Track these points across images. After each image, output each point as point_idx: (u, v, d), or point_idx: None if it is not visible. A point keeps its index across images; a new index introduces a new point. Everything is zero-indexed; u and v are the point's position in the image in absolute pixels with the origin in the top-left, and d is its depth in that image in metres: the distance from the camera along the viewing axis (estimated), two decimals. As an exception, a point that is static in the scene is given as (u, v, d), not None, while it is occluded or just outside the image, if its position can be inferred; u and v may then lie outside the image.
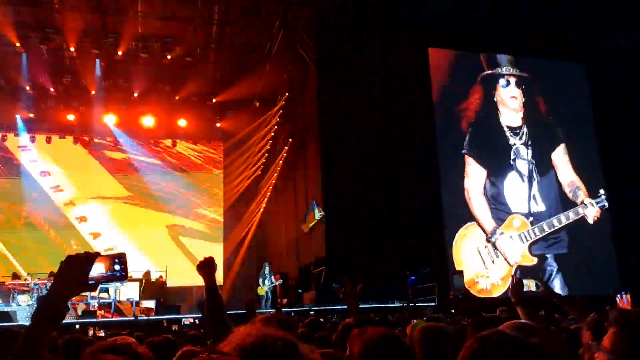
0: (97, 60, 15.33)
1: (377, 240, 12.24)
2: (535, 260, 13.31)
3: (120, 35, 14.59)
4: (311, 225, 14.57)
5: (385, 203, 12.54)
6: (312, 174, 14.89)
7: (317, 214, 14.07)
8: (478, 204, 13.32)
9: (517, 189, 13.67)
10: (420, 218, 12.49)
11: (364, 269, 11.90)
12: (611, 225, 13.98)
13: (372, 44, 13.23)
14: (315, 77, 14.09)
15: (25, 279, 13.35)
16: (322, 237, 13.41)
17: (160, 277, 15.49)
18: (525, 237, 13.41)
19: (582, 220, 13.87)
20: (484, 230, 13.18)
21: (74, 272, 1.41)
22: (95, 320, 11.50)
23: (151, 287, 14.56)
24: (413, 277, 11.19)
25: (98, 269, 1.46)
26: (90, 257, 1.44)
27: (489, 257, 13.19)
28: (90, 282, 1.44)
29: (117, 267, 1.50)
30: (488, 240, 13.17)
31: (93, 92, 16.43)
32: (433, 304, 10.20)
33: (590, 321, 2.76)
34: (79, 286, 1.42)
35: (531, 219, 13.51)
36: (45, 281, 13.02)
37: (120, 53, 14.96)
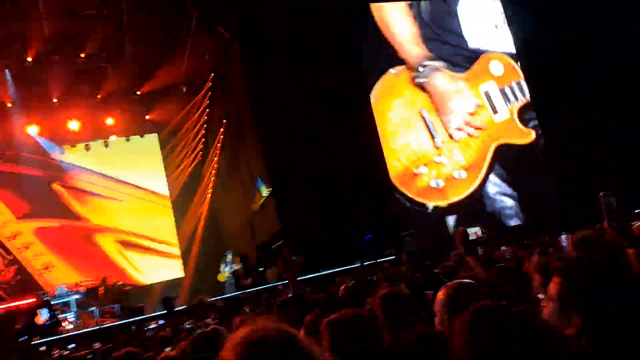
0: (7, 71, 14.41)
1: (328, 206, 12.49)
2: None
3: (27, 40, 13.74)
4: (260, 202, 14.63)
5: (330, 167, 12.72)
6: (252, 151, 14.85)
7: (265, 191, 14.14)
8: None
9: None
10: (364, 171, 12.77)
11: (320, 236, 12.19)
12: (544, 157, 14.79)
13: (292, 6, 12.98)
14: (237, 51, 13.86)
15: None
16: (274, 212, 13.52)
17: (118, 281, 15.21)
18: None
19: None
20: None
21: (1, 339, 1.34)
22: (58, 337, 11.22)
23: (111, 293, 14.29)
24: (369, 235, 11.57)
25: (27, 322, 1.42)
26: (9, 317, 1.38)
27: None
28: (21, 339, 1.40)
29: (44, 315, 1.48)
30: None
31: (9, 105, 15.48)
32: (392, 257, 10.64)
33: (539, 264, 2.94)
34: (11, 349, 1.36)
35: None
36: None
37: (30, 59, 14.11)
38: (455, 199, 13.83)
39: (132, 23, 14.61)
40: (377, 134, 13.67)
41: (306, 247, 12.27)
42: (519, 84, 15.07)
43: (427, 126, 14.19)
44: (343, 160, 12.72)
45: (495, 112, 14.72)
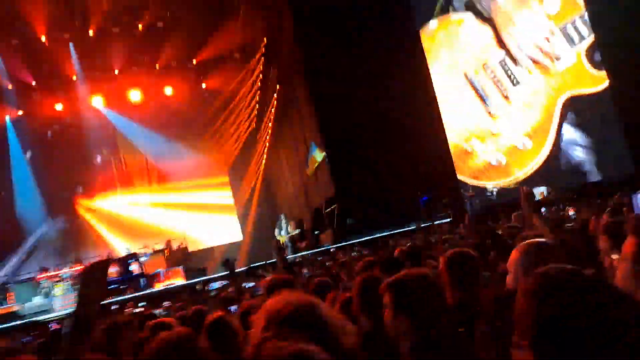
0: (71, 45, 15.03)
1: (384, 168, 12.43)
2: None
3: (88, 14, 14.25)
4: (314, 167, 14.75)
5: (384, 129, 12.61)
6: (305, 116, 14.91)
7: (319, 156, 14.22)
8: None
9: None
10: (423, 135, 12.58)
11: (375, 198, 12.21)
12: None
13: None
14: (290, 17, 13.78)
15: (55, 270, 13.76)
16: (328, 176, 13.63)
17: (182, 243, 15.90)
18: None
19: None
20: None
21: (91, 285, 1.50)
22: (130, 296, 11.98)
23: (175, 256, 14.99)
24: (425, 197, 11.49)
25: (115, 273, 1.55)
26: (102, 266, 1.55)
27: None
28: (110, 287, 1.54)
29: (132, 267, 1.60)
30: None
31: (74, 78, 16.19)
32: (449, 219, 10.54)
33: (607, 225, 2.79)
34: (102, 295, 1.55)
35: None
36: (75, 269, 13.46)
37: (91, 33, 14.64)
38: (520, 173, 12.34)
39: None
40: (434, 91, 13.30)
41: (360, 210, 12.39)
42: (582, 18, 12.38)
43: (476, 89, 12.78)
44: (398, 122, 12.52)
45: (556, 59, 12.48)
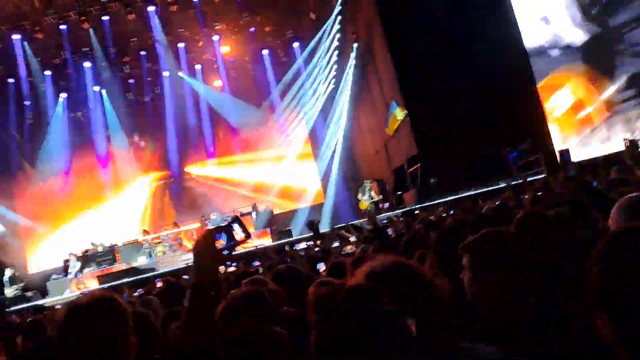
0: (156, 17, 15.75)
1: (468, 124, 11.98)
2: None
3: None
4: (395, 126, 14.51)
5: (468, 83, 12.08)
6: (385, 75, 14.61)
7: (399, 114, 13.95)
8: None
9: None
10: (509, 86, 11.93)
11: (460, 155, 11.85)
12: None
13: None
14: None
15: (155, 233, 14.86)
16: (410, 135, 13.37)
17: (267, 206, 16.49)
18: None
19: None
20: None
21: (205, 255, 1.56)
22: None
23: (261, 218, 15.63)
24: (515, 153, 10.98)
25: (225, 240, 1.61)
26: (210, 236, 1.59)
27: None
28: (224, 254, 1.60)
29: (238, 229, 1.64)
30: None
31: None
32: (542, 175, 10.01)
33: None
34: (216, 262, 1.58)
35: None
36: (173, 231, 14.47)
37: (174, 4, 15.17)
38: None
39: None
40: (522, 39, 12.51)
41: (444, 169, 12.09)
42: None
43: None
44: (484, 75, 11.90)
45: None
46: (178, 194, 18.61)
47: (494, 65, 11.74)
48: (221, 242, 1.59)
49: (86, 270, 13.17)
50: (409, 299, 1.19)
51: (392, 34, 13.03)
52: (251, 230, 14.39)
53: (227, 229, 1.62)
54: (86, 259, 13.52)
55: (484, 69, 11.83)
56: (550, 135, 12.09)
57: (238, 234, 1.63)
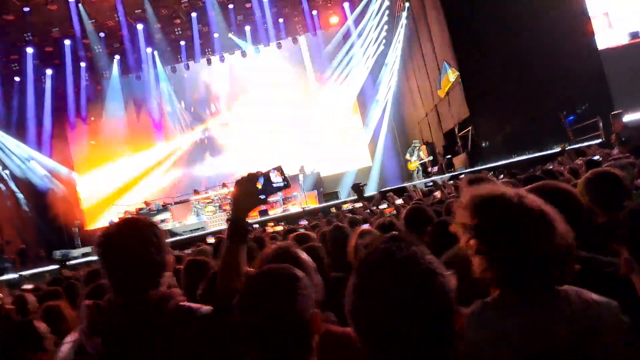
0: None
1: (522, 85, 11.43)
2: None
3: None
4: (447, 88, 14.04)
5: (522, 40, 11.45)
6: (437, 35, 14.08)
7: (452, 76, 13.47)
8: None
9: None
10: (567, 45, 11.27)
11: (514, 118, 11.39)
12: None
13: None
14: None
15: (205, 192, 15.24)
16: (461, 97, 12.92)
17: (314, 168, 16.52)
18: None
19: None
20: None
21: (244, 194, 1.63)
22: (271, 217, 12.90)
23: (308, 181, 15.70)
24: (571, 117, 10.44)
25: (263, 184, 1.66)
26: (253, 177, 1.65)
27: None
28: (261, 196, 1.65)
29: (277, 178, 1.70)
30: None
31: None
32: (599, 140, 9.49)
33: None
34: (253, 203, 1.64)
35: None
36: (222, 192, 14.79)
37: None
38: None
39: None
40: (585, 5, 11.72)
41: (497, 132, 11.68)
42: None
43: None
44: (541, 36, 11.27)
45: None
46: (223, 153, 18.99)
47: (553, 24, 11.10)
48: (259, 185, 1.66)
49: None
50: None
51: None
52: (297, 193, 14.63)
53: (267, 175, 1.68)
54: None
55: (541, 29, 11.21)
56: (610, 98, 11.36)
57: (276, 181, 1.69)
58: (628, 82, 11.13)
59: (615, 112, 8.95)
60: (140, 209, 14.43)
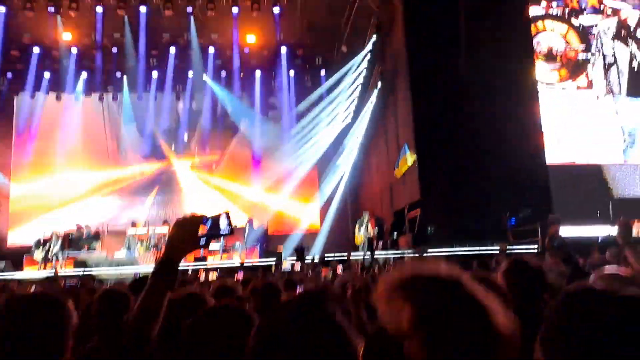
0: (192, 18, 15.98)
1: (473, 181, 11.86)
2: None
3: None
4: (404, 170, 14.41)
5: (480, 141, 12.02)
6: (403, 116, 14.60)
7: (410, 158, 13.87)
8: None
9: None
10: (519, 154, 11.87)
11: (460, 210, 11.69)
12: None
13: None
14: (402, 17, 13.59)
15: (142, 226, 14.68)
16: (416, 180, 13.26)
17: (261, 224, 16.31)
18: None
19: None
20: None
21: (185, 234, 1.53)
22: (206, 264, 12.49)
23: (254, 234, 15.44)
24: (513, 219, 10.80)
25: (206, 228, 1.57)
26: (197, 218, 1.56)
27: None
28: (202, 240, 1.56)
29: (223, 224, 1.61)
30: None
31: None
32: (535, 246, 9.81)
33: None
34: (191, 246, 1.54)
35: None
36: (162, 229, 14.29)
37: (212, 10, 15.40)
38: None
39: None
40: (538, 105, 12.52)
41: (443, 220, 11.92)
42: None
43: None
44: (497, 137, 11.88)
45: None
46: (173, 192, 18.55)
47: (508, 133, 11.78)
48: (204, 229, 1.57)
49: (65, 252, 12.96)
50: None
51: (416, 80, 13.09)
52: (240, 244, 14.31)
53: (215, 219, 1.61)
54: (69, 240, 13.34)
55: (497, 135, 11.85)
56: (551, 209, 11.91)
57: (223, 227, 1.62)
58: (569, 199, 11.74)
59: (554, 215, 9.33)
60: (70, 232, 13.71)
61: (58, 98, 17.65)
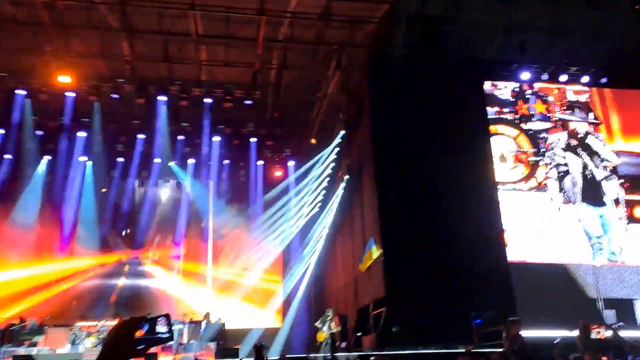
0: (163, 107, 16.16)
1: (439, 280, 11.68)
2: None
3: (185, 82, 15.39)
4: (368, 264, 14.18)
5: (445, 238, 12.00)
6: (369, 210, 14.61)
7: (375, 253, 13.69)
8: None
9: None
10: (482, 253, 11.85)
11: (426, 310, 11.37)
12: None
13: (424, 80, 13.07)
14: (369, 114, 14.05)
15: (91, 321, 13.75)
16: (381, 276, 12.98)
17: (219, 319, 15.50)
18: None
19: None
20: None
21: (120, 339, 1.42)
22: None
23: (211, 329, 14.61)
24: (478, 320, 10.52)
25: (145, 332, 1.48)
26: (134, 322, 1.46)
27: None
28: (138, 347, 1.45)
29: (162, 328, 1.53)
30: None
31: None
32: (501, 349, 9.45)
33: None
34: (127, 353, 1.42)
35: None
36: (112, 323, 13.39)
37: (185, 99, 15.65)
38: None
39: (278, 77, 15.79)
40: (498, 204, 12.73)
41: (408, 319, 11.54)
42: None
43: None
44: (461, 236, 11.92)
45: None
46: (130, 287, 17.67)
47: (472, 232, 11.86)
48: (141, 333, 1.46)
49: (2, 348, 11.90)
50: None
51: (382, 175, 13.27)
52: (195, 341, 13.44)
53: (153, 322, 1.51)
54: (9, 333, 12.31)
55: (462, 231, 11.89)
56: (515, 309, 11.71)
57: (161, 331, 1.52)
58: (532, 298, 11.60)
59: (513, 318, 9.08)
60: (12, 324, 12.68)
61: (16, 180, 17.13)
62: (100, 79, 15.27)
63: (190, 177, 18.35)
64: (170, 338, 1.54)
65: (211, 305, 16.41)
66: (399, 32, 13.05)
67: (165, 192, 18.58)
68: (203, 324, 14.32)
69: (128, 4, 12.98)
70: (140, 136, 17.34)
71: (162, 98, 16.02)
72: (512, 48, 13.41)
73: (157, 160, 17.82)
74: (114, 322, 13.45)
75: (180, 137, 17.66)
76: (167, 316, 1.56)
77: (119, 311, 15.07)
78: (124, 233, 18.40)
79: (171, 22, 13.76)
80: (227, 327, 15.54)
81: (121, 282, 17.73)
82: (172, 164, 17.98)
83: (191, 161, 18.29)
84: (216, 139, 17.83)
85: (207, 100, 16.05)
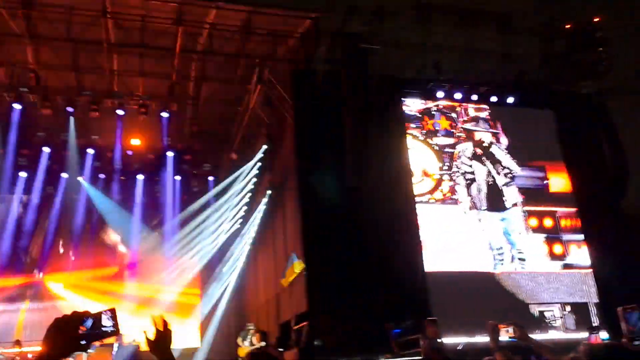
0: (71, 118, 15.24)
1: (361, 292, 11.87)
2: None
3: (96, 93, 14.62)
4: (290, 279, 14.14)
5: (368, 252, 12.25)
6: (291, 225, 14.62)
7: (297, 267, 13.69)
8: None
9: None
10: (405, 266, 12.22)
11: (349, 323, 11.50)
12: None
13: (346, 96, 13.36)
14: (292, 129, 14.11)
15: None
16: (303, 291, 12.97)
17: (134, 340, 14.74)
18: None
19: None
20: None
21: (63, 334, 1.40)
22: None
23: (125, 351, 13.86)
24: (397, 330, 10.80)
25: (89, 327, 1.46)
26: (76, 317, 1.45)
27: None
28: (82, 342, 1.43)
29: (107, 322, 1.53)
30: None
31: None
32: (418, 358, 9.76)
33: None
34: (70, 347, 1.39)
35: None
36: (12, 351, 12.35)
37: (96, 111, 14.84)
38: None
39: (197, 90, 15.47)
40: (416, 216, 13.22)
41: (330, 333, 11.60)
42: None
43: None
44: (381, 248, 12.22)
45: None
46: (36, 307, 16.36)
47: (392, 242, 12.17)
48: (83, 329, 1.45)
49: None
50: None
51: (305, 189, 13.33)
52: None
53: (97, 317, 1.51)
54: None
55: (383, 244, 12.19)
56: (433, 316, 12.16)
57: (106, 326, 1.52)
58: (449, 306, 12.10)
59: (431, 318, 9.43)
60: None
61: None
62: (1, 88, 14.18)
63: (100, 193, 17.40)
64: (116, 332, 1.55)
65: (127, 324, 15.53)
66: (321, 48, 13.30)
67: (72, 209, 17.44)
68: (115, 346, 13.53)
69: (33, 9, 12.22)
70: (46, 149, 16.23)
71: (70, 109, 15.12)
72: (428, 67, 14.10)
73: (64, 175, 16.74)
74: (13, 350, 12.39)
75: (90, 151, 16.75)
76: (113, 310, 1.55)
77: (17, 337, 13.84)
78: (27, 253, 17.01)
79: (81, 30, 13.09)
80: (142, 348, 14.81)
81: (25, 306, 16.37)
82: (80, 178, 16.96)
83: (101, 176, 17.37)
84: (130, 152, 17.10)
85: (120, 112, 15.35)
